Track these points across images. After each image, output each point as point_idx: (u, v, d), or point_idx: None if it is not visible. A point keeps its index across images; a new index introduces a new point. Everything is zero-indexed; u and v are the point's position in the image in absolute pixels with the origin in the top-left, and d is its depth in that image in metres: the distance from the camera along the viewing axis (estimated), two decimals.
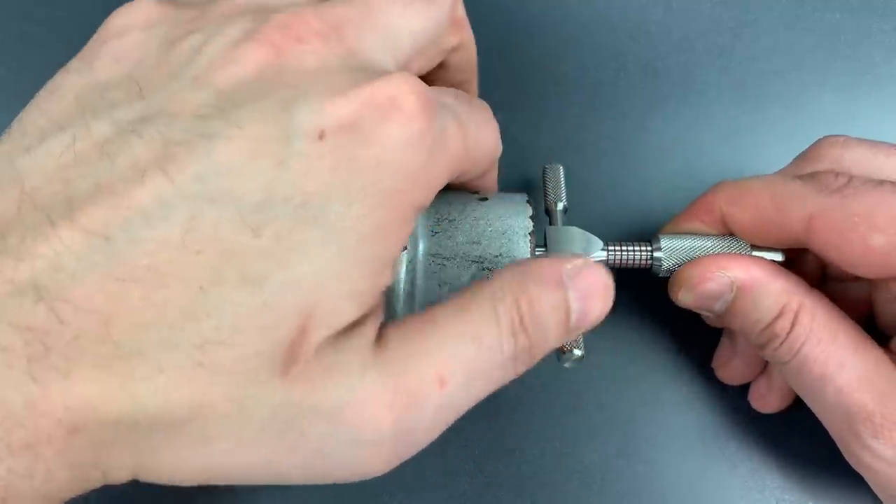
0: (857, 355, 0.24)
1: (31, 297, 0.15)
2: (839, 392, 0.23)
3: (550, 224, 0.28)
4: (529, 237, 0.25)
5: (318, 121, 0.17)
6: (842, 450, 0.25)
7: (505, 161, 0.32)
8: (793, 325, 0.24)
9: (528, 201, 0.26)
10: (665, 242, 0.26)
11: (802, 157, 0.27)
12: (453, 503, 0.28)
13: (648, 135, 0.32)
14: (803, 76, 0.32)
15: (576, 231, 0.27)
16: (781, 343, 0.24)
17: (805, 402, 0.25)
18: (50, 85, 0.19)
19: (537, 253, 0.26)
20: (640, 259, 0.26)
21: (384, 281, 0.18)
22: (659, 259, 0.26)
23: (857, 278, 0.25)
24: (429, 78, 0.23)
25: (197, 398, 0.16)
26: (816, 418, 0.29)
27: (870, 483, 0.24)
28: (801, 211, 0.24)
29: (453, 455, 0.29)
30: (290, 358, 0.16)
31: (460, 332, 0.18)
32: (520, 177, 0.31)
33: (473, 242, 0.25)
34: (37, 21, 0.33)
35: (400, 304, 0.23)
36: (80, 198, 0.16)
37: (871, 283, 0.26)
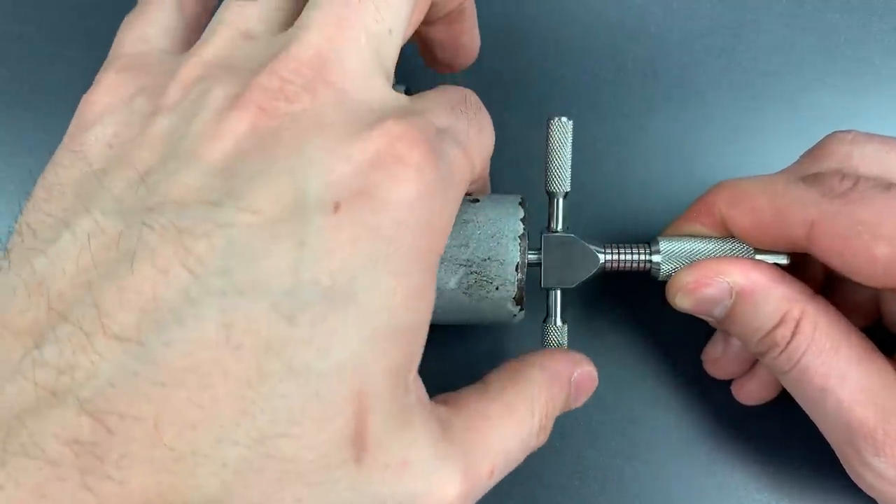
0: (860, 367, 0.23)
1: (74, 409, 0.15)
2: (840, 406, 0.22)
3: (549, 224, 0.26)
4: (519, 241, 0.24)
5: (331, 192, 0.17)
6: (843, 465, 0.24)
7: (504, 161, 0.32)
8: (794, 333, 0.23)
9: (520, 203, 0.25)
10: (664, 245, 0.25)
11: (809, 155, 0.26)
12: None
13: (648, 135, 0.32)
14: (803, 76, 0.32)
15: (574, 242, 0.25)
16: (781, 352, 0.23)
17: (806, 412, 0.25)
18: (45, 181, 0.19)
19: (531, 256, 0.25)
20: (638, 263, 0.26)
21: (422, 343, 0.19)
22: (657, 263, 0.25)
23: None
24: (423, 32, 0.22)
25: (272, 485, 0.16)
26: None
27: (876, 499, 0.23)
28: (802, 216, 0.23)
29: None
30: (358, 445, 0.17)
31: (510, 432, 0.21)
32: (519, 177, 0.31)
33: (462, 245, 0.24)
34: (37, 21, 0.33)
35: None
36: (107, 303, 0.15)
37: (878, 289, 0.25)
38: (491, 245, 0.24)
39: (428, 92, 0.21)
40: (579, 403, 0.24)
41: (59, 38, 0.33)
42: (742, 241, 0.25)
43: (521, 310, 0.25)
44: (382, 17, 0.19)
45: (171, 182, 0.17)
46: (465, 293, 0.24)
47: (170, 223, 0.16)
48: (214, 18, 0.21)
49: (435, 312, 0.24)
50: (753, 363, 0.28)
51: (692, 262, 0.25)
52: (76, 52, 0.32)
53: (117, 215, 0.16)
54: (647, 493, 0.29)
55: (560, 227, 0.26)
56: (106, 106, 0.19)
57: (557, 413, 0.23)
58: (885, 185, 0.22)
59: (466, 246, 0.24)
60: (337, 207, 0.16)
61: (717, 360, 0.28)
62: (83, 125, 0.19)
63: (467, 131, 0.20)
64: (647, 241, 0.26)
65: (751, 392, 0.28)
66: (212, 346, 0.15)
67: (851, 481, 0.28)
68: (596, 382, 0.24)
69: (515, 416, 0.21)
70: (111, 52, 0.21)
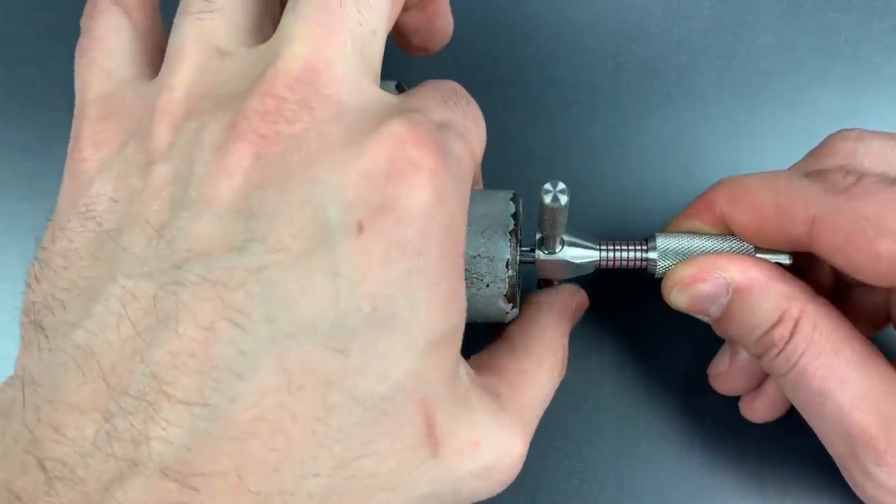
0: (862, 372, 0.22)
1: (157, 477, 0.15)
2: (839, 411, 0.21)
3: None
4: (510, 236, 0.24)
5: (352, 213, 0.16)
6: (844, 475, 0.23)
7: (504, 161, 0.32)
8: (792, 333, 0.22)
9: (512, 198, 0.25)
10: (661, 242, 0.25)
11: (813, 153, 0.25)
12: None
13: (648, 135, 0.32)
14: (803, 76, 0.32)
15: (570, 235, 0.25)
16: (779, 353, 0.22)
17: (805, 419, 0.24)
18: (57, 247, 0.18)
19: (527, 255, 0.25)
20: (635, 260, 0.25)
21: (462, 333, 0.19)
22: (653, 260, 0.25)
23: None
24: (398, 19, 0.22)
25: (359, 499, 0.17)
26: None
27: None
28: (804, 212, 0.22)
29: None
30: (432, 443, 0.18)
31: (543, 380, 0.23)
32: (519, 177, 0.31)
33: None
34: (37, 21, 0.33)
35: None
36: (163, 370, 0.15)
37: (887, 289, 0.24)
38: (481, 242, 0.23)
39: (416, 89, 0.21)
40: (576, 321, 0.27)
41: (58, 37, 0.33)
42: (742, 239, 0.24)
43: (513, 307, 0.24)
44: (365, 19, 0.19)
45: (190, 233, 0.16)
46: None
47: (200, 277, 0.16)
48: (175, 35, 0.19)
49: None
50: (762, 379, 0.27)
51: (689, 258, 0.24)
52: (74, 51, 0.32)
53: (145, 278, 0.16)
54: (647, 493, 0.29)
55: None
56: (98, 162, 0.19)
57: (567, 341, 0.25)
58: (891, 181, 0.21)
59: None
60: (361, 228, 0.16)
61: (723, 374, 0.27)
62: (81, 184, 0.18)
63: (465, 122, 0.20)
64: (645, 240, 0.26)
65: (759, 409, 0.27)
66: (274, 393, 0.15)
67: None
68: (587, 304, 0.27)
69: (545, 365, 0.23)
70: (79, 99, 0.20)
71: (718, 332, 0.26)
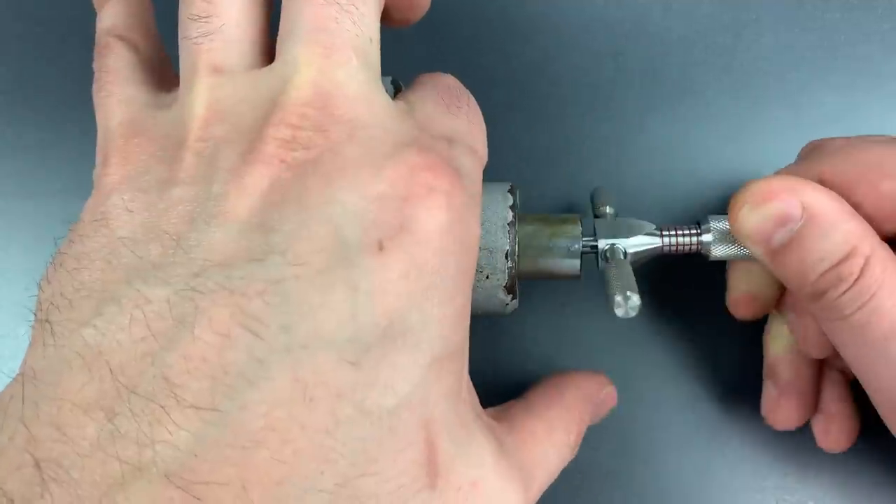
0: None
1: (161, 483, 0.14)
2: None
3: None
4: (509, 228, 0.24)
5: (372, 233, 0.17)
6: (893, 430, 0.22)
7: (504, 161, 0.32)
8: (862, 270, 0.21)
9: (510, 190, 0.25)
10: (714, 224, 0.25)
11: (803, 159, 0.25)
12: None
13: (648, 135, 0.32)
14: (803, 75, 0.32)
15: (625, 219, 0.26)
16: (848, 289, 0.21)
17: (857, 375, 0.23)
18: (71, 249, 0.18)
19: (582, 243, 0.25)
20: (690, 244, 0.25)
21: (467, 355, 0.19)
22: (708, 243, 0.25)
23: None
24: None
25: None
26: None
27: None
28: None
29: None
30: (431, 471, 0.17)
31: (551, 450, 0.23)
32: (519, 177, 0.31)
33: None
34: (37, 21, 0.33)
35: None
36: (175, 373, 0.15)
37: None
38: (480, 234, 0.24)
39: (418, 91, 0.21)
40: (598, 420, 0.26)
41: (59, 37, 0.33)
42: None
43: (513, 298, 0.24)
44: (361, 30, 0.19)
45: (208, 244, 0.17)
46: None
47: (219, 285, 0.16)
48: (183, 60, 0.20)
49: None
50: (814, 397, 0.27)
51: (762, 178, 0.23)
52: (76, 51, 0.32)
53: (160, 283, 0.16)
54: (648, 493, 0.29)
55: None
56: (120, 176, 0.19)
57: (584, 431, 0.24)
58: (889, 138, 0.22)
59: None
60: (381, 247, 0.17)
61: (777, 406, 0.27)
62: (101, 195, 0.19)
63: (470, 130, 0.20)
64: (697, 222, 0.25)
65: (836, 435, 0.26)
66: (286, 403, 0.15)
67: (852, 480, 0.28)
68: (615, 402, 0.26)
69: (555, 435, 0.23)
70: (103, 126, 0.21)
71: (772, 266, 0.23)
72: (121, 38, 0.22)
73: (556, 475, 0.22)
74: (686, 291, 0.30)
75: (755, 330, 0.30)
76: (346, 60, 0.19)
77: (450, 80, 0.22)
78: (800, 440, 0.29)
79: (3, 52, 0.33)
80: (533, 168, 0.32)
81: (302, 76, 0.18)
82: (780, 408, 0.27)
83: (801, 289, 0.22)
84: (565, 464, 0.23)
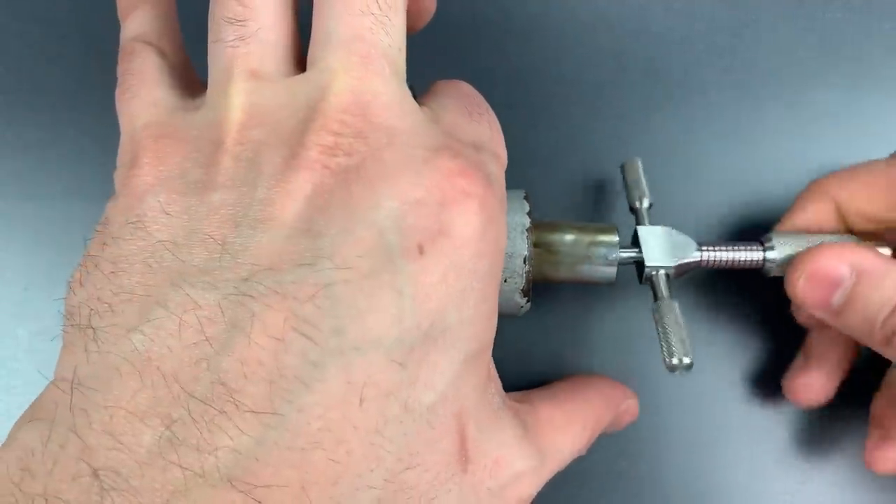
0: None
1: (223, 488, 0.15)
2: None
3: (637, 223, 0.27)
4: (527, 233, 0.25)
5: (413, 238, 0.17)
6: None
7: (506, 160, 0.32)
8: None
9: (525, 197, 0.26)
10: (777, 241, 0.26)
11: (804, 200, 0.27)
12: None
13: (649, 135, 0.32)
14: (804, 76, 0.32)
15: (668, 231, 0.27)
16: None
17: None
18: (105, 254, 0.18)
19: (623, 255, 0.26)
20: (752, 260, 0.26)
21: (491, 350, 0.20)
22: (772, 260, 0.26)
23: None
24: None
25: None
26: (816, 418, 0.29)
27: None
28: None
29: None
30: (463, 457, 0.18)
31: (566, 441, 0.23)
32: (520, 177, 0.31)
33: None
34: (37, 21, 0.33)
35: None
36: (232, 377, 0.15)
37: None
38: None
39: (439, 99, 0.22)
40: (618, 429, 0.27)
41: (60, 37, 0.33)
42: (853, 224, 0.26)
43: (527, 301, 0.25)
44: (392, 40, 0.20)
45: (255, 248, 0.17)
46: None
47: (270, 290, 0.16)
48: (216, 63, 0.20)
49: None
50: (840, 378, 0.28)
51: (806, 250, 0.25)
52: (76, 50, 0.32)
53: (209, 288, 0.16)
54: (648, 493, 0.29)
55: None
56: (154, 177, 0.19)
57: (599, 432, 0.25)
58: None
59: None
60: (421, 251, 0.17)
61: (804, 381, 0.28)
62: (134, 196, 0.19)
63: (492, 137, 0.21)
64: (758, 239, 0.27)
65: (893, 459, 0.27)
66: (340, 404, 0.16)
67: (852, 480, 0.28)
68: (636, 416, 0.27)
69: (572, 428, 0.24)
70: (129, 127, 0.20)
71: (840, 326, 0.25)
72: (147, 43, 0.22)
73: (565, 464, 0.23)
74: (689, 293, 0.30)
75: (756, 331, 0.30)
76: (381, 70, 0.19)
77: (467, 88, 0.23)
78: (802, 441, 0.29)
79: (3, 52, 0.32)
80: (533, 168, 0.31)
81: (340, 84, 0.18)
82: (808, 383, 0.28)
83: (871, 338, 0.24)
84: (575, 456, 0.24)
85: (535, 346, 0.30)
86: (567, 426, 0.24)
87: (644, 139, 0.32)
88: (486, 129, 0.21)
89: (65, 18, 0.33)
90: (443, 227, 0.18)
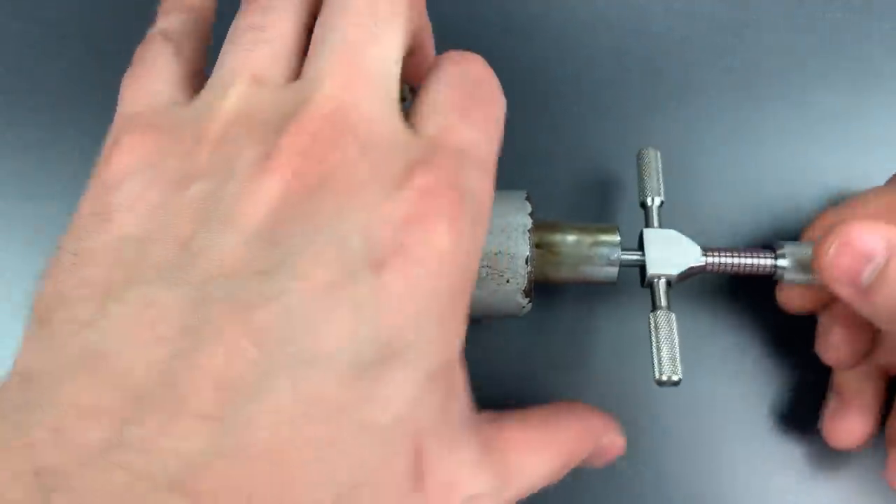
0: None
1: (166, 491, 0.14)
2: None
3: (647, 223, 0.27)
4: (528, 234, 0.25)
5: (375, 253, 0.17)
6: None
7: (505, 162, 0.32)
8: None
9: (526, 198, 0.26)
10: (789, 250, 0.26)
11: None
12: None
13: (648, 135, 0.32)
14: (804, 76, 0.32)
15: (674, 235, 0.26)
16: None
17: None
18: (70, 244, 0.18)
19: (626, 257, 0.26)
20: (763, 266, 0.26)
21: (460, 365, 0.20)
22: (784, 267, 0.26)
23: None
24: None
25: None
26: (815, 423, 0.29)
27: None
28: None
29: None
30: (417, 478, 0.18)
31: (535, 467, 0.22)
32: (520, 177, 0.31)
33: None
34: (37, 21, 0.33)
35: None
36: (183, 381, 0.15)
37: None
38: (501, 239, 0.25)
39: (438, 88, 0.21)
40: (597, 465, 0.25)
41: (60, 37, 0.33)
42: None
43: (529, 301, 0.25)
44: (387, 54, 0.19)
45: (216, 251, 0.16)
46: (477, 286, 0.25)
47: (226, 296, 0.16)
48: (223, 61, 0.20)
49: None
50: (880, 420, 0.27)
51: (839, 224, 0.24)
52: (76, 51, 0.32)
53: (166, 287, 0.16)
54: (648, 493, 0.29)
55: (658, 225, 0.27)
56: (127, 169, 0.19)
57: (576, 464, 0.24)
58: None
59: None
60: (384, 266, 0.17)
61: (840, 423, 0.27)
62: (106, 188, 0.18)
63: (482, 139, 0.20)
64: (769, 246, 0.27)
65: None
66: (289, 417, 0.16)
67: (852, 480, 0.28)
68: (620, 453, 0.25)
69: (542, 453, 0.23)
70: (121, 110, 0.21)
71: (865, 306, 0.24)
72: (169, 39, 0.22)
73: (531, 490, 0.23)
74: (690, 294, 0.30)
75: (755, 332, 0.30)
76: (370, 81, 0.19)
77: (475, 72, 0.22)
78: (802, 441, 0.29)
79: (2, 52, 0.32)
80: (534, 168, 0.31)
81: (326, 90, 0.18)
82: (845, 424, 0.27)
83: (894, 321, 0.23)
84: (545, 484, 0.23)
85: (536, 346, 0.30)
86: (536, 451, 0.23)
87: (644, 139, 0.32)
88: (477, 132, 0.20)
89: (65, 18, 0.33)
90: (407, 245, 0.17)
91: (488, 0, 0.33)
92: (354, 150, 0.18)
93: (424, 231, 0.17)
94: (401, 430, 0.17)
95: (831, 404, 0.28)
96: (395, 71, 0.20)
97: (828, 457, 0.29)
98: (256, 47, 0.20)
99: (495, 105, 0.21)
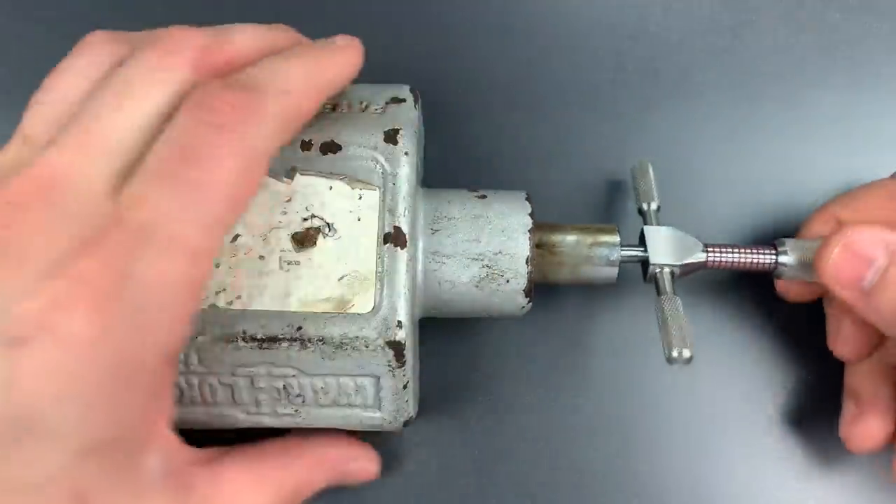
0: None
1: None
2: None
3: (645, 223, 0.28)
4: (529, 234, 0.25)
5: (17, 328, 0.17)
6: None
7: (505, 160, 0.32)
8: None
9: (527, 198, 0.26)
10: (790, 246, 0.26)
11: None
12: (454, 503, 0.28)
13: (648, 135, 0.32)
14: (803, 76, 0.32)
15: (675, 231, 0.27)
16: None
17: None
18: None
19: (628, 253, 0.26)
20: (765, 263, 0.26)
21: (147, 440, 0.20)
22: (784, 263, 0.26)
23: None
24: None
25: None
26: (816, 419, 0.29)
27: None
28: None
29: (453, 455, 0.29)
30: None
31: (259, 501, 0.24)
32: (520, 177, 0.31)
33: (473, 240, 0.25)
34: (37, 21, 0.33)
35: (401, 302, 0.23)
36: None
37: None
38: (502, 239, 0.25)
39: (151, 149, 0.20)
40: (351, 485, 0.27)
41: (60, 37, 0.33)
42: None
43: (529, 301, 0.25)
44: (129, 123, 0.20)
45: None
46: (477, 287, 0.25)
47: None
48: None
49: (446, 306, 0.25)
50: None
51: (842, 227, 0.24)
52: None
53: None
54: (648, 493, 0.29)
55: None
56: None
57: (308, 494, 0.25)
58: None
59: (478, 241, 0.25)
60: (23, 342, 0.17)
61: (859, 428, 0.27)
62: None
63: (176, 212, 0.19)
64: (770, 242, 0.27)
65: None
66: None
67: (852, 481, 0.28)
68: (372, 478, 0.27)
69: (262, 490, 0.24)
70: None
71: (866, 309, 0.24)
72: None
73: None
74: (690, 292, 0.30)
75: (755, 331, 0.30)
76: (95, 149, 0.19)
77: (208, 118, 0.20)
78: (801, 441, 0.29)
79: (2, 52, 0.32)
80: (533, 168, 0.32)
81: (45, 157, 0.19)
82: (864, 429, 0.27)
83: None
84: None
85: (536, 346, 0.30)
86: (256, 489, 0.24)
87: (643, 139, 0.32)
88: (179, 200, 0.19)
89: (65, 18, 0.33)
90: (48, 326, 0.18)
91: (488, 0, 0.33)
92: (43, 218, 0.19)
93: (69, 316, 0.18)
94: (56, 491, 0.18)
95: (849, 410, 0.27)
96: (136, 136, 0.20)
97: (828, 455, 0.29)
98: (39, 108, 0.21)
99: (223, 162, 0.19)
